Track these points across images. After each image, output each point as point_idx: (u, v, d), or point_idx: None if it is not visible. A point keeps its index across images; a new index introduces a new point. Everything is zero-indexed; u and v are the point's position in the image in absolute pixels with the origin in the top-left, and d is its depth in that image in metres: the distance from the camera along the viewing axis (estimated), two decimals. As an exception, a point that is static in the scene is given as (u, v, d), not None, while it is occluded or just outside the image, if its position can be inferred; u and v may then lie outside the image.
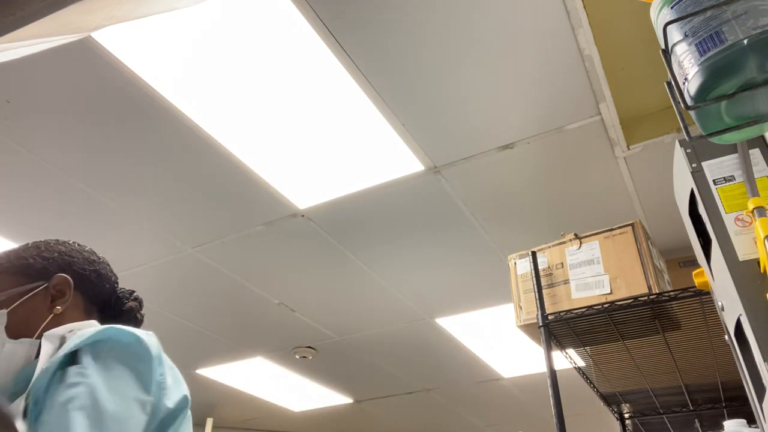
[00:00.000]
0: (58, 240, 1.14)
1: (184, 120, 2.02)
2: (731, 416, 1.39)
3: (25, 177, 2.28)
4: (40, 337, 0.98)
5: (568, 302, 1.86)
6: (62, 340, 0.95)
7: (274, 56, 1.80)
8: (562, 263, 1.94)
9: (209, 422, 4.77)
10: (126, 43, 1.75)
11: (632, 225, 1.89)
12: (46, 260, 1.08)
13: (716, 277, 0.94)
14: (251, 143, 2.14)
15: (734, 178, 0.92)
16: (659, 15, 0.84)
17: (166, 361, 0.93)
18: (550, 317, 1.84)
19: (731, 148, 0.95)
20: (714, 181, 0.94)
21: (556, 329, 1.90)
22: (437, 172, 2.29)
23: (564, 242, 1.98)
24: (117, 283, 1.17)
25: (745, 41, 0.71)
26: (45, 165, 2.22)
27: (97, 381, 0.79)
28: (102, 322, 1.10)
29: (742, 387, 0.93)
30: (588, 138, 2.11)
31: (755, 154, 0.93)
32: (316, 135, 2.11)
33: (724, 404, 2.32)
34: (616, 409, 2.53)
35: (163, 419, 0.87)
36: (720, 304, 0.94)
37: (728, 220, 0.89)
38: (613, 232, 1.90)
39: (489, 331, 3.50)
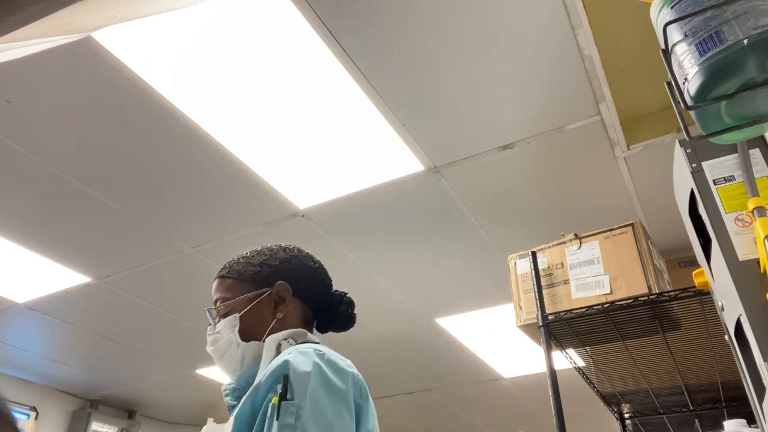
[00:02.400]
0: (281, 246, 1.22)
1: (183, 120, 2.02)
2: (731, 416, 1.39)
3: (25, 177, 2.28)
4: (264, 340, 1.09)
5: (568, 302, 1.86)
6: (278, 348, 1.06)
7: (274, 56, 1.80)
8: (562, 263, 1.94)
9: (210, 422, 4.77)
10: (126, 43, 1.75)
11: (632, 225, 1.89)
12: (271, 267, 1.16)
13: (716, 277, 0.94)
14: (251, 143, 2.14)
15: (734, 178, 0.92)
16: (659, 15, 0.84)
17: (368, 391, 1.01)
18: (550, 317, 1.84)
19: (731, 148, 0.95)
20: (714, 181, 0.94)
21: (556, 329, 1.90)
22: (437, 172, 2.29)
23: (564, 242, 1.98)
24: (331, 286, 1.23)
25: (745, 41, 0.71)
26: (45, 165, 2.22)
27: (308, 423, 0.83)
28: (317, 323, 1.20)
29: (742, 387, 0.93)
30: (588, 138, 2.11)
31: (755, 154, 0.93)
32: (316, 135, 2.11)
33: (724, 404, 2.32)
34: (616, 409, 2.53)
35: None
36: (720, 304, 0.94)
37: (728, 220, 0.89)
38: (613, 232, 1.90)
39: (489, 331, 3.49)
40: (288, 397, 0.86)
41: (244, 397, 0.93)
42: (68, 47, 1.61)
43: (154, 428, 5.19)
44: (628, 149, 2.13)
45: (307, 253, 1.23)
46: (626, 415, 2.56)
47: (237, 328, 1.10)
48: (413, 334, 3.55)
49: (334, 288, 1.24)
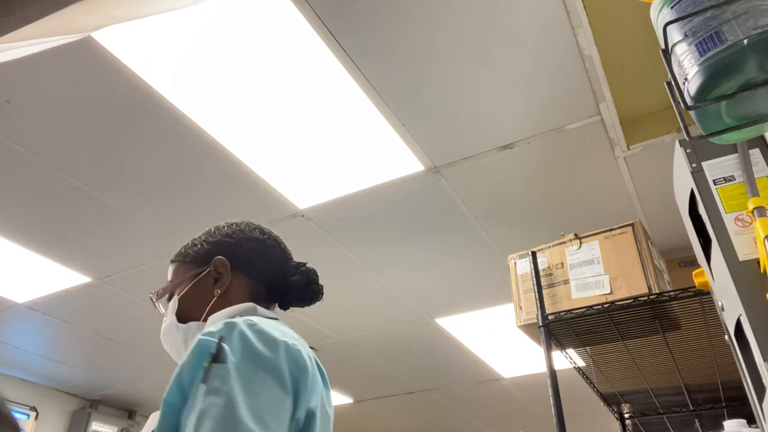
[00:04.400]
0: (228, 223, 1.18)
1: (183, 120, 2.02)
2: (731, 416, 1.39)
3: (25, 177, 2.28)
4: (206, 318, 1.05)
5: (568, 302, 1.86)
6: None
7: (273, 56, 1.80)
8: (562, 263, 1.94)
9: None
10: (126, 43, 1.75)
11: (632, 225, 1.89)
12: (210, 244, 1.13)
13: (716, 277, 0.94)
14: (251, 143, 2.14)
15: (734, 178, 0.92)
16: (659, 15, 0.84)
17: (308, 364, 0.92)
18: (550, 317, 1.84)
19: (731, 148, 0.95)
20: (714, 181, 0.94)
21: (556, 329, 1.90)
22: (437, 172, 2.28)
23: (564, 242, 1.98)
24: (286, 257, 1.16)
25: (745, 41, 0.71)
26: (45, 165, 2.22)
27: (235, 387, 0.78)
28: (269, 298, 1.12)
29: (742, 387, 0.93)
30: (588, 138, 2.11)
31: (755, 154, 0.93)
32: (315, 135, 2.11)
33: (724, 404, 2.32)
34: (616, 409, 2.53)
35: (305, 423, 0.87)
36: (720, 304, 0.94)
37: (728, 220, 0.89)
38: (613, 232, 1.90)
39: (489, 331, 3.49)
40: (220, 359, 0.82)
41: (171, 379, 0.85)
42: (68, 47, 1.61)
43: (154, 428, 5.19)
44: (628, 149, 2.13)
45: (258, 225, 1.18)
46: (626, 415, 2.56)
47: (175, 311, 1.08)
48: (413, 334, 3.55)
49: (325, 283, 1.20)
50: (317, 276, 1.17)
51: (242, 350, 0.84)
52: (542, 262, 1.98)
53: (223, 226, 1.17)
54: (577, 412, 4.19)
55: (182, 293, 1.09)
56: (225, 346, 0.83)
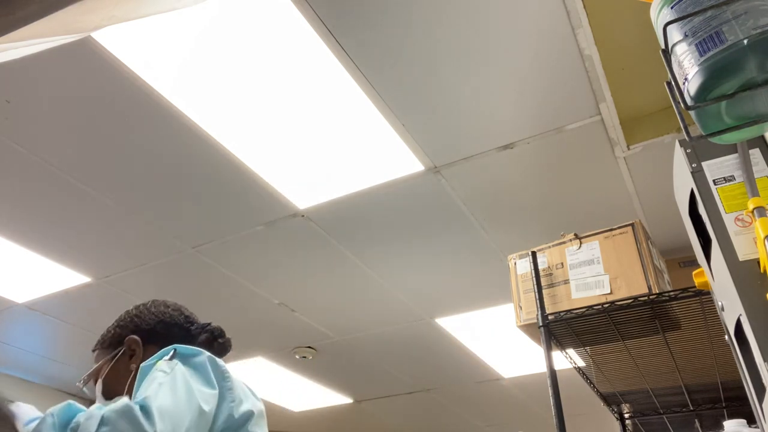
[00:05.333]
0: (135, 306, 1.33)
1: (183, 120, 2.02)
2: (731, 416, 1.39)
3: (25, 177, 2.27)
4: (129, 391, 1.17)
5: (568, 302, 1.86)
6: None
7: (273, 56, 1.80)
8: (562, 263, 1.94)
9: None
10: (126, 43, 1.75)
11: (632, 225, 1.89)
12: (122, 328, 1.28)
13: (716, 277, 0.93)
14: (251, 143, 2.14)
15: (734, 178, 0.92)
16: (659, 15, 0.84)
17: (235, 378, 1.08)
18: (550, 317, 1.84)
19: (731, 148, 0.95)
20: (714, 181, 0.94)
21: (556, 329, 1.90)
22: (437, 172, 2.28)
23: (564, 242, 1.98)
24: (191, 323, 1.32)
25: (745, 41, 0.71)
26: (45, 165, 2.22)
27: (178, 375, 0.97)
28: None
29: (742, 387, 0.93)
30: (588, 138, 2.11)
31: (755, 154, 0.93)
32: (316, 135, 2.11)
33: (724, 404, 2.32)
34: (616, 409, 2.53)
35: (229, 425, 1.01)
36: (720, 304, 0.94)
37: (728, 220, 0.89)
38: (613, 232, 1.90)
39: (489, 331, 3.49)
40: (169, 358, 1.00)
41: None
42: (68, 47, 1.60)
43: (154, 428, 5.18)
44: (628, 149, 2.13)
45: (162, 301, 1.33)
46: (626, 415, 2.56)
47: (101, 392, 1.21)
48: (413, 334, 3.55)
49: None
50: (223, 332, 1.33)
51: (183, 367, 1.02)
52: (542, 262, 1.98)
53: (132, 309, 1.31)
54: (577, 412, 4.19)
55: (104, 375, 1.23)
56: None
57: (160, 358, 1.02)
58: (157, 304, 1.32)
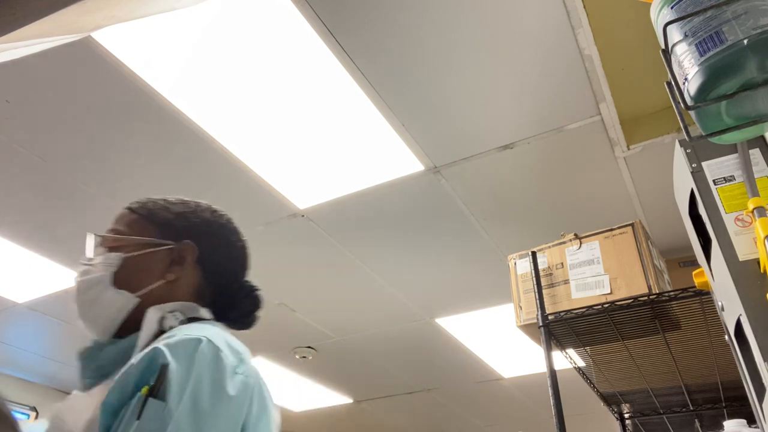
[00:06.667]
0: (210, 207, 1.07)
1: (183, 120, 2.02)
2: (731, 416, 1.39)
3: (25, 177, 2.27)
4: (143, 297, 0.90)
5: (568, 302, 1.86)
6: (161, 322, 0.87)
7: (273, 56, 1.80)
8: (562, 263, 1.94)
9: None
10: (126, 43, 1.75)
11: (632, 225, 1.89)
12: (187, 222, 1.00)
13: (716, 277, 0.93)
14: (251, 143, 2.14)
15: (734, 178, 0.92)
16: (659, 15, 0.84)
17: (258, 392, 0.81)
18: (550, 317, 1.84)
19: (731, 148, 0.95)
20: (714, 181, 0.94)
21: (556, 329, 1.90)
22: (437, 172, 2.28)
23: (564, 242, 1.98)
24: (245, 273, 1.06)
25: (745, 41, 0.71)
26: (45, 165, 2.22)
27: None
28: (211, 307, 1.00)
29: (742, 387, 0.93)
30: (588, 138, 2.11)
31: (755, 154, 0.93)
32: (316, 135, 2.11)
33: (724, 404, 2.32)
34: (616, 409, 2.53)
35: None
36: (720, 304, 0.94)
37: (728, 220, 0.89)
38: (613, 232, 1.90)
39: (489, 331, 3.49)
40: (159, 394, 0.69)
41: (114, 381, 0.74)
42: (68, 47, 1.61)
43: (154, 428, 5.18)
44: (628, 149, 2.13)
45: (236, 227, 1.07)
46: (626, 415, 2.56)
47: (113, 269, 0.91)
48: (413, 334, 3.55)
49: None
50: (260, 305, 1.07)
51: (204, 383, 0.72)
52: (542, 262, 1.98)
53: (204, 209, 1.05)
54: (577, 412, 4.19)
55: (130, 254, 0.93)
56: (169, 376, 0.70)
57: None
58: (231, 229, 1.06)
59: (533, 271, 1.93)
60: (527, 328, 1.96)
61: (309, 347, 3.73)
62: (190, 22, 1.69)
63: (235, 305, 1.02)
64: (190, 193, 2.45)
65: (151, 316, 0.87)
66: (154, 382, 0.70)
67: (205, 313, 0.95)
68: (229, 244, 1.03)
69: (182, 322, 0.88)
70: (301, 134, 2.10)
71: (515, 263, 2.07)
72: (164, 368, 0.71)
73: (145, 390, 0.70)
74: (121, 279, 0.91)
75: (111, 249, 0.95)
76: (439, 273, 2.94)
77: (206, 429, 0.69)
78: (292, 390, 4.44)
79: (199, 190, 2.36)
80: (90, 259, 0.95)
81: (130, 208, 1.02)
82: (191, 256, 0.97)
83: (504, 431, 5.09)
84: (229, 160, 2.20)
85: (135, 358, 0.75)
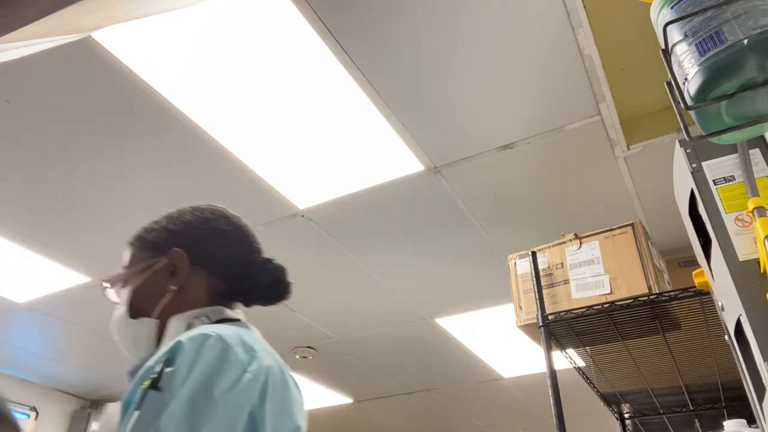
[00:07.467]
0: (192, 208, 1.05)
1: (183, 120, 2.02)
2: (731, 416, 1.39)
3: (25, 177, 2.27)
4: (161, 315, 0.94)
5: (568, 302, 1.86)
6: (189, 329, 0.89)
7: (273, 56, 1.80)
8: (562, 263, 1.94)
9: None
10: (126, 43, 1.75)
11: (632, 225, 1.89)
12: (170, 232, 1.01)
13: (716, 277, 0.93)
14: (251, 143, 2.14)
15: (734, 178, 0.92)
16: (659, 15, 0.84)
17: (276, 390, 0.81)
18: (550, 317, 1.84)
19: (731, 148, 0.95)
20: (714, 181, 0.94)
21: (556, 329, 1.90)
22: (437, 172, 2.28)
23: (564, 242, 1.98)
24: (254, 251, 1.04)
25: (745, 41, 0.71)
26: (45, 165, 2.22)
27: (168, 427, 0.68)
28: (232, 296, 1.01)
29: (742, 387, 0.93)
30: (588, 138, 2.11)
31: (755, 154, 0.93)
32: (315, 135, 2.11)
33: (724, 404, 2.32)
34: (616, 409, 2.53)
35: None
36: (720, 304, 0.94)
37: (728, 220, 0.89)
38: (613, 232, 1.90)
39: (489, 331, 3.49)
40: (159, 386, 0.71)
41: (133, 383, 0.79)
42: (68, 47, 1.61)
43: (154, 428, 5.19)
44: (628, 149, 2.13)
45: (224, 213, 1.06)
46: (626, 415, 2.56)
47: (128, 303, 0.97)
48: (413, 334, 3.55)
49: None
50: (286, 274, 1.05)
51: (197, 380, 0.72)
52: (542, 262, 1.98)
53: (186, 212, 1.04)
54: (577, 412, 4.19)
55: (135, 284, 0.98)
56: (172, 371, 0.72)
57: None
58: (217, 217, 1.04)
59: (533, 271, 1.93)
60: (527, 328, 1.96)
61: (309, 347, 3.73)
62: (190, 22, 1.69)
63: (253, 284, 1.02)
64: (190, 193, 2.46)
65: (174, 325, 0.92)
66: (156, 375, 0.73)
67: (231, 313, 0.97)
68: (217, 232, 1.02)
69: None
70: (301, 134, 2.10)
71: (515, 263, 2.07)
72: (168, 361, 0.74)
73: (147, 383, 0.73)
74: (137, 308, 0.96)
75: (123, 286, 1.00)
76: (439, 273, 2.94)
77: (200, 422, 0.69)
78: (292, 390, 4.44)
79: (199, 190, 2.36)
80: (115, 303, 1.02)
81: (128, 242, 1.05)
82: (183, 261, 0.98)
83: (504, 431, 5.09)
84: (229, 159, 2.20)
85: (152, 360, 0.78)
